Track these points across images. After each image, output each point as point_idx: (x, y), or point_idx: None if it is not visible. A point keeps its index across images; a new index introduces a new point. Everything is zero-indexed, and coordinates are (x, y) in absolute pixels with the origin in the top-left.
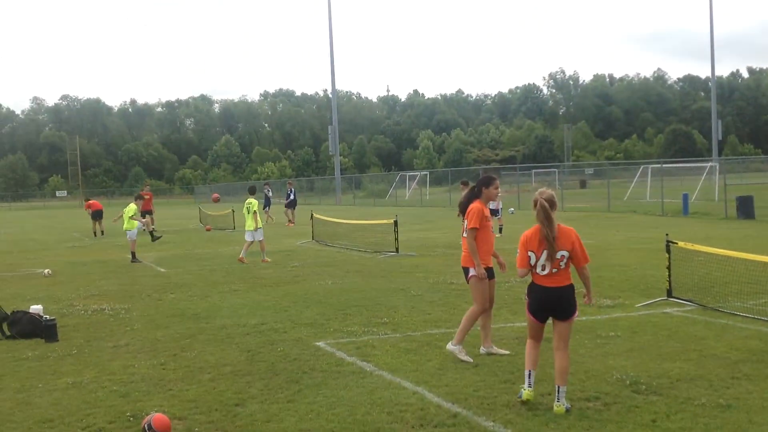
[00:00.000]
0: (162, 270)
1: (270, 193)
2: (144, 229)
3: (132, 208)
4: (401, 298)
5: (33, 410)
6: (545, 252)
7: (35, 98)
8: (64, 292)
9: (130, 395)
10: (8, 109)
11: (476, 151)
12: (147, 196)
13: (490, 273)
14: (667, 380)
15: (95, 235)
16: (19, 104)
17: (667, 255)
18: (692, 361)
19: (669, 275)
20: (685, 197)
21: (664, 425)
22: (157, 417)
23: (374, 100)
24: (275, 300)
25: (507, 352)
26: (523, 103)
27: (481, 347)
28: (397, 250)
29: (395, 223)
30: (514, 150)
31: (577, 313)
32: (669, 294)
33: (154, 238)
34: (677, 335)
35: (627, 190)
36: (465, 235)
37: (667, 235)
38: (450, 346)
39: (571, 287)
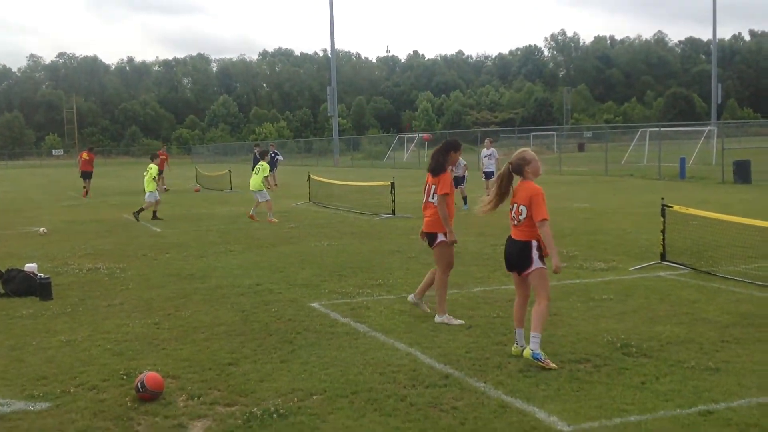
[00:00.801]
0: (158, 230)
1: (279, 156)
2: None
3: (154, 168)
4: (396, 260)
5: (26, 368)
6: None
7: (32, 56)
8: (59, 251)
9: (123, 354)
10: (5, 66)
11: (475, 113)
12: (163, 156)
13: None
14: (657, 343)
15: (85, 196)
16: (16, 62)
17: (662, 219)
18: (683, 325)
19: (663, 239)
20: (683, 161)
21: (653, 387)
22: (150, 375)
23: (374, 60)
24: (270, 261)
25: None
26: (523, 65)
27: (412, 295)
28: (393, 212)
29: (392, 185)
30: (513, 112)
31: (532, 269)
32: (663, 258)
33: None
34: (669, 298)
35: (625, 154)
36: (432, 200)
37: (662, 198)
38: (437, 318)
39: (525, 243)
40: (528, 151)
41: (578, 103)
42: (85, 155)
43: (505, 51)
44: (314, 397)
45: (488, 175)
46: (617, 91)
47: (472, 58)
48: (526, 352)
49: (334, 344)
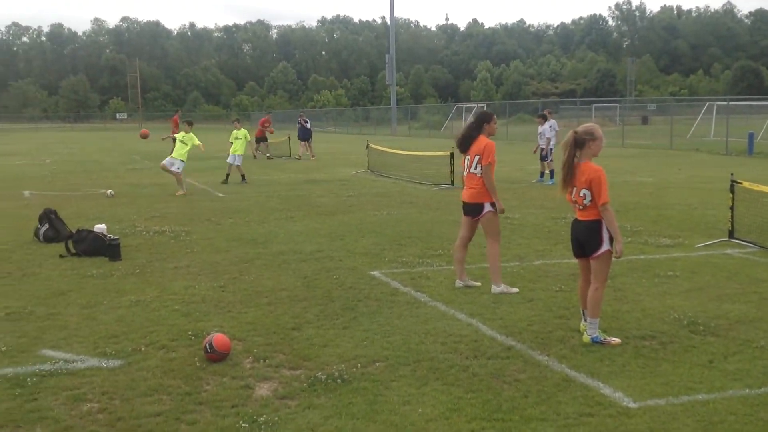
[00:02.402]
0: (220, 195)
1: (308, 125)
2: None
3: (192, 137)
4: (456, 231)
5: (98, 326)
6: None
7: (96, 19)
8: (126, 213)
9: (191, 315)
10: (70, 30)
11: (535, 83)
12: (267, 123)
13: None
14: (725, 321)
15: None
16: (80, 25)
17: (730, 195)
18: (752, 303)
19: (732, 216)
20: (751, 136)
21: (720, 366)
22: (218, 337)
23: (433, 28)
24: (331, 228)
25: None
26: (586, 35)
27: (457, 281)
28: (452, 183)
29: (451, 155)
30: (574, 83)
31: (602, 250)
32: (731, 235)
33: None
34: (737, 277)
35: (690, 128)
36: (474, 171)
37: (732, 174)
38: (495, 288)
39: (595, 223)
40: (598, 127)
41: (642, 75)
42: (267, 120)
43: (568, 20)
44: (377, 364)
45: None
46: (683, 63)
47: (533, 27)
48: (585, 338)
49: (395, 313)
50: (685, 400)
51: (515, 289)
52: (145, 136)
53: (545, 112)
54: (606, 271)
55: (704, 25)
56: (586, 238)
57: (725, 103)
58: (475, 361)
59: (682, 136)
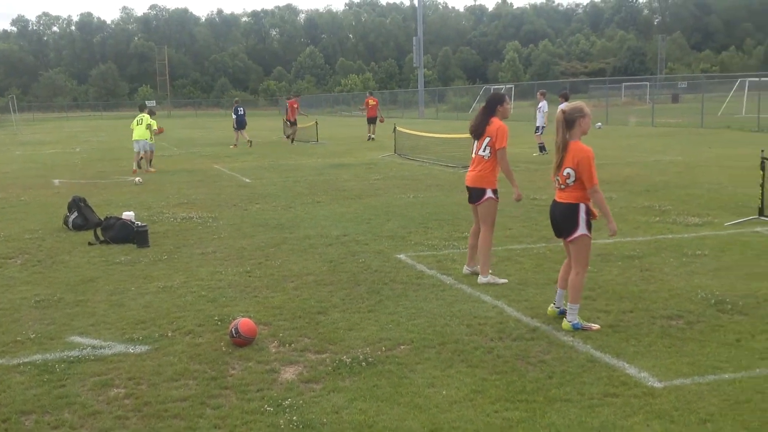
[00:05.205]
0: (247, 180)
1: (241, 111)
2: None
3: (147, 117)
4: None
5: (126, 312)
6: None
7: (124, 8)
8: (153, 200)
9: (217, 300)
10: (99, 18)
11: (564, 63)
12: (373, 102)
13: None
14: (754, 300)
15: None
16: (109, 14)
17: (761, 172)
18: None
19: (762, 193)
20: None
21: (748, 345)
22: (243, 321)
23: (461, 10)
24: (357, 212)
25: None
26: (616, 13)
27: (466, 267)
28: None
29: None
30: (604, 62)
31: (578, 234)
32: (761, 213)
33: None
34: (767, 254)
35: (722, 105)
36: (482, 153)
37: (762, 151)
38: (481, 279)
39: (572, 206)
40: (584, 105)
41: (673, 52)
42: (371, 102)
43: None
44: (402, 347)
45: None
46: (715, 40)
47: (562, 6)
48: (565, 324)
49: (421, 296)
50: (711, 379)
51: (503, 280)
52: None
53: (539, 93)
54: (585, 256)
55: (737, 0)
56: (562, 221)
57: (757, 79)
58: (500, 343)
59: (713, 114)
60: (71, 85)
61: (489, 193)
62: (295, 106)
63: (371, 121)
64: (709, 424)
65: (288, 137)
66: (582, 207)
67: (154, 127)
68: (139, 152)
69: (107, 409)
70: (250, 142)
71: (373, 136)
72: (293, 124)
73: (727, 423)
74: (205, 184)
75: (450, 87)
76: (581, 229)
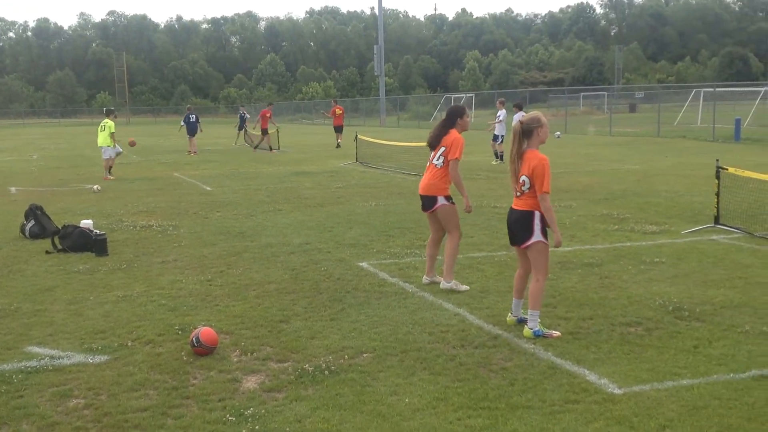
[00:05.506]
0: (207, 188)
1: (247, 116)
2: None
3: (111, 124)
4: None
5: (85, 321)
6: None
7: (82, 14)
8: (113, 208)
9: (178, 309)
10: (56, 24)
11: (524, 72)
12: (340, 111)
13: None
14: (710, 307)
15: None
16: (66, 20)
17: (716, 181)
18: (737, 289)
19: (717, 202)
20: (738, 122)
21: (705, 351)
22: (204, 330)
23: (421, 18)
24: (319, 220)
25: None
26: (574, 23)
27: (425, 277)
28: None
29: None
30: (562, 72)
31: (532, 240)
32: (716, 221)
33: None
34: (723, 262)
35: (678, 115)
36: (435, 162)
37: (717, 160)
38: (444, 284)
39: (526, 213)
40: (541, 114)
41: (630, 63)
42: (338, 111)
43: (556, 9)
44: (364, 355)
45: (495, 137)
46: (671, 50)
47: (521, 16)
48: (526, 332)
49: (383, 303)
50: (669, 385)
51: (465, 287)
52: (132, 145)
53: (498, 102)
54: (543, 262)
55: (692, 11)
56: (517, 228)
57: (712, 89)
58: (462, 351)
59: (669, 124)
60: (28, 92)
61: (441, 200)
62: (268, 115)
63: (338, 129)
64: (668, 429)
65: (257, 147)
66: (536, 214)
67: (112, 130)
68: (108, 159)
69: (66, 420)
70: (191, 152)
71: (340, 143)
72: (264, 133)
73: (685, 428)
74: (165, 192)
75: (411, 95)
76: (536, 236)
